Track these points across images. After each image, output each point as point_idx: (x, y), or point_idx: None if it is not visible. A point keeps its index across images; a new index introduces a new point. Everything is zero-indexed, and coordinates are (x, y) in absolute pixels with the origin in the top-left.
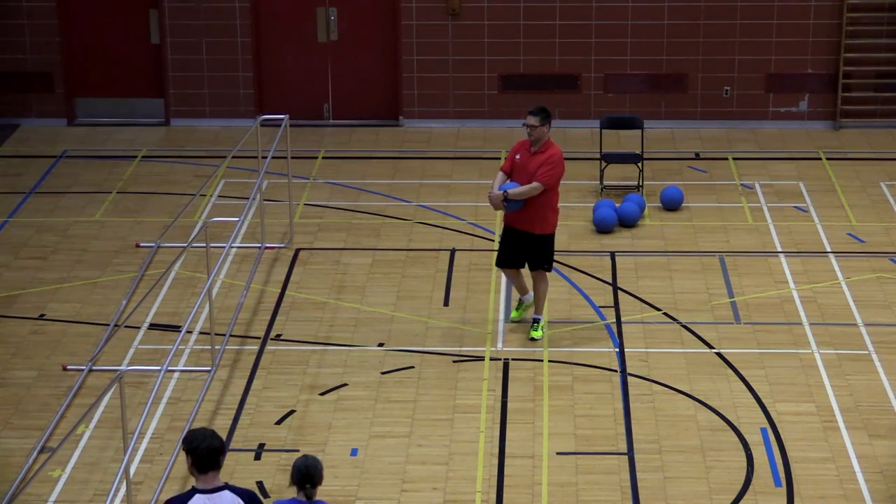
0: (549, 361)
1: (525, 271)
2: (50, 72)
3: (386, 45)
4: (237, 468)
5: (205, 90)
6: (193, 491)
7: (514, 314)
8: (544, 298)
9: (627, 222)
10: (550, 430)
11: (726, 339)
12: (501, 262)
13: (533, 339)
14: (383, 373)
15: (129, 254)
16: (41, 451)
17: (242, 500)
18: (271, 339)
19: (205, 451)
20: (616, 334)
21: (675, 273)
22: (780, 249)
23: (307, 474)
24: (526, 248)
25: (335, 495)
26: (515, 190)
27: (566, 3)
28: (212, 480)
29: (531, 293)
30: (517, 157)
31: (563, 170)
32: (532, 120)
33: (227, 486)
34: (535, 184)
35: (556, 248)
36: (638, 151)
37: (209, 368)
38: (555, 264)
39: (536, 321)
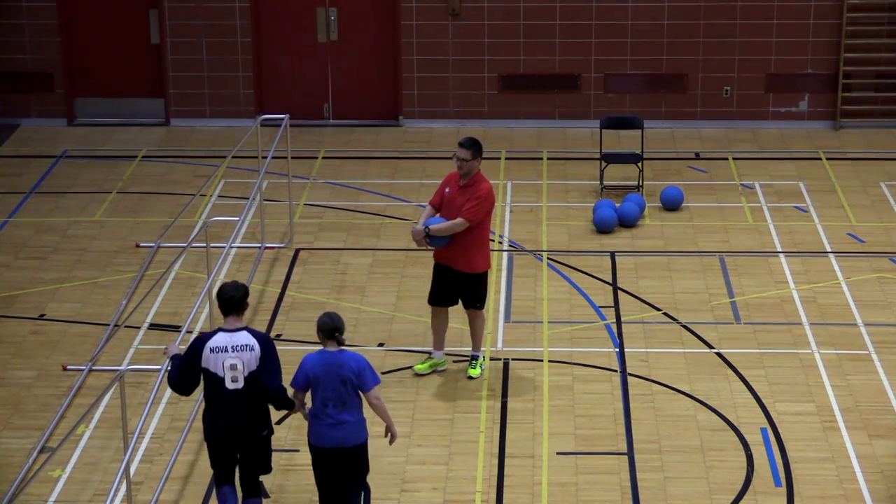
0: (549, 361)
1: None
2: (50, 72)
3: (386, 45)
4: None
5: (205, 90)
6: (219, 329)
7: (418, 367)
8: (482, 335)
9: (627, 222)
10: (550, 430)
11: (726, 339)
12: (433, 300)
13: (470, 378)
14: (383, 373)
15: (129, 254)
16: (41, 451)
17: (257, 339)
18: None
19: (230, 298)
20: (616, 334)
21: (675, 273)
22: (780, 249)
23: (335, 326)
24: (457, 286)
25: None
26: (438, 226)
27: (566, 3)
28: (234, 322)
29: (443, 353)
30: (446, 190)
31: (491, 205)
32: (464, 153)
33: (246, 328)
34: (458, 220)
35: (556, 249)
36: (638, 151)
37: None
38: (555, 264)
39: (475, 358)
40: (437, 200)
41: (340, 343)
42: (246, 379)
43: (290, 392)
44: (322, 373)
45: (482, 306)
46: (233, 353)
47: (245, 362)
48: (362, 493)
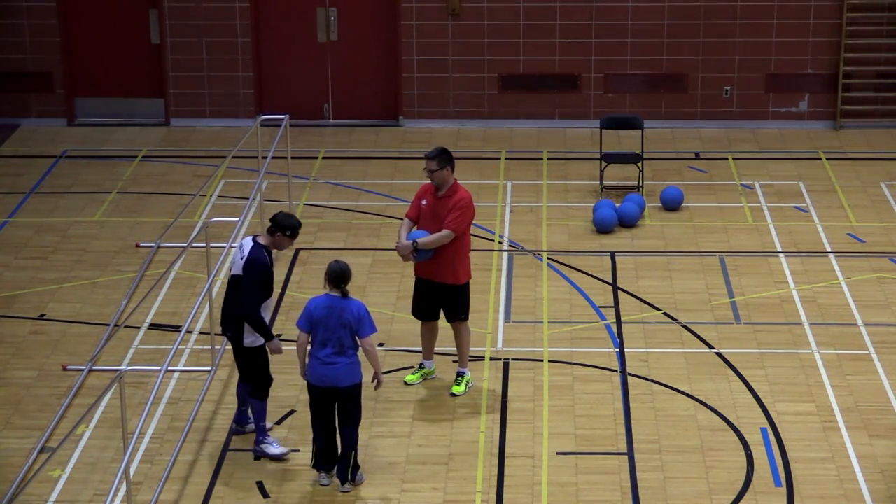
0: (549, 361)
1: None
2: (50, 72)
3: (386, 45)
4: (237, 468)
5: (205, 90)
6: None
7: (409, 378)
8: (467, 350)
9: (627, 222)
10: (550, 430)
11: (726, 339)
12: (417, 314)
13: (453, 395)
14: (383, 373)
15: (129, 254)
16: (41, 451)
17: (248, 253)
18: None
19: (279, 223)
20: (616, 334)
21: (675, 273)
22: (780, 249)
23: (341, 275)
24: (440, 298)
25: (335, 495)
26: (425, 239)
27: (566, 3)
28: (261, 235)
29: (433, 362)
30: (423, 202)
31: (472, 214)
32: (431, 164)
33: (255, 239)
34: (444, 231)
35: (556, 249)
36: (638, 151)
37: (209, 368)
38: (555, 264)
39: (460, 375)
40: (414, 213)
41: (344, 294)
42: (233, 275)
43: (298, 335)
44: (325, 315)
45: (466, 317)
46: (238, 253)
47: (236, 262)
48: (353, 453)
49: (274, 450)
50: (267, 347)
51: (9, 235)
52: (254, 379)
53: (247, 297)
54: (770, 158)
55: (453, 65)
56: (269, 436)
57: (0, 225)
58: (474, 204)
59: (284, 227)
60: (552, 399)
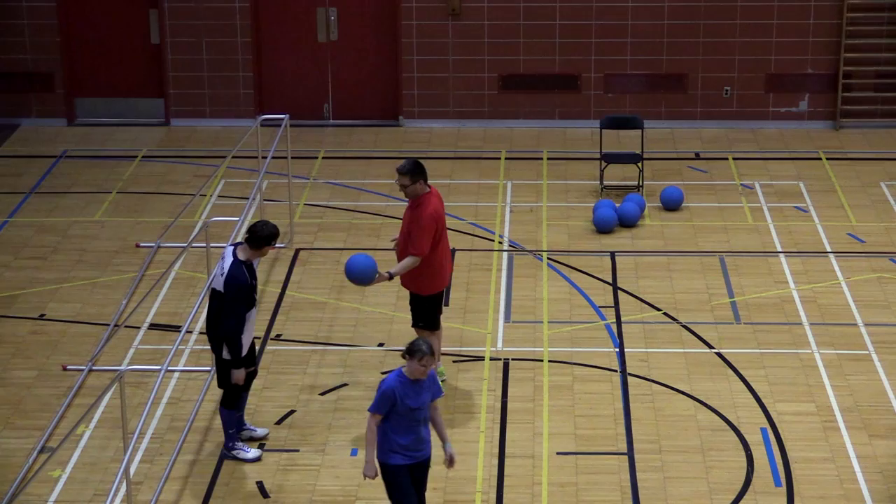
0: (549, 361)
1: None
2: (50, 72)
3: (386, 45)
4: (237, 468)
5: (205, 90)
6: (239, 243)
7: None
8: (437, 355)
9: (627, 222)
10: (550, 430)
11: (726, 339)
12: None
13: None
14: (383, 373)
15: (129, 254)
16: (41, 451)
17: (227, 271)
18: (271, 339)
19: (248, 228)
20: (616, 334)
21: (675, 273)
22: (780, 249)
23: (409, 345)
24: (412, 303)
25: (335, 495)
26: (396, 269)
27: (566, 3)
28: (241, 249)
29: (441, 363)
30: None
31: (434, 228)
32: (403, 180)
33: (236, 256)
34: (409, 259)
35: (556, 249)
36: (638, 151)
37: (209, 368)
38: (555, 264)
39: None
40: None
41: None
42: (213, 289)
43: None
44: None
45: (425, 326)
46: (219, 265)
47: (216, 275)
48: None
49: (246, 454)
50: (231, 372)
51: (9, 235)
52: (225, 389)
53: (228, 318)
54: (770, 158)
55: (453, 65)
56: (238, 442)
57: (0, 225)
58: (441, 212)
59: (268, 237)
60: (552, 399)
